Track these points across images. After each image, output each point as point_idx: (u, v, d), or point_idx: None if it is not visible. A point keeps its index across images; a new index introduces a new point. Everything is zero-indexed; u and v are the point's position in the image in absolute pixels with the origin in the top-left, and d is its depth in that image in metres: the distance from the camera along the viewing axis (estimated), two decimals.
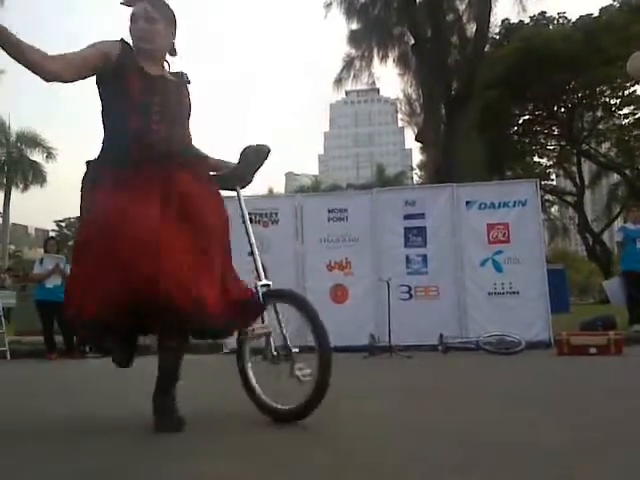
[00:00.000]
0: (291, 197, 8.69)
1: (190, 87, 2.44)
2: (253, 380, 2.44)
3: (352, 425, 2.31)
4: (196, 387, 3.15)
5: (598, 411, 2.51)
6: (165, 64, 2.39)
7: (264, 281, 2.43)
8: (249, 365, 2.47)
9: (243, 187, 2.64)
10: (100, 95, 2.30)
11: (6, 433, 2.36)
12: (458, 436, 2.03)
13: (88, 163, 2.26)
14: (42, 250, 8.48)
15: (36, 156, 27.07)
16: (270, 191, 24.74)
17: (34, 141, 26.91)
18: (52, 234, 36.16)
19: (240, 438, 2.12)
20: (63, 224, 49.93)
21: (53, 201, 68.15)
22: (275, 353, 2.31)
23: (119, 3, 2.34)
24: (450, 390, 3.37)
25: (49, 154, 27.00)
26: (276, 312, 2.36)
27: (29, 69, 2.04)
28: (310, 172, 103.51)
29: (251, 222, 8.02)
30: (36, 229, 31.76)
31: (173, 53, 2.41)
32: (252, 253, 2.54)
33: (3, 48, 2.00)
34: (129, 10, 2.29)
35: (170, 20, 2.34)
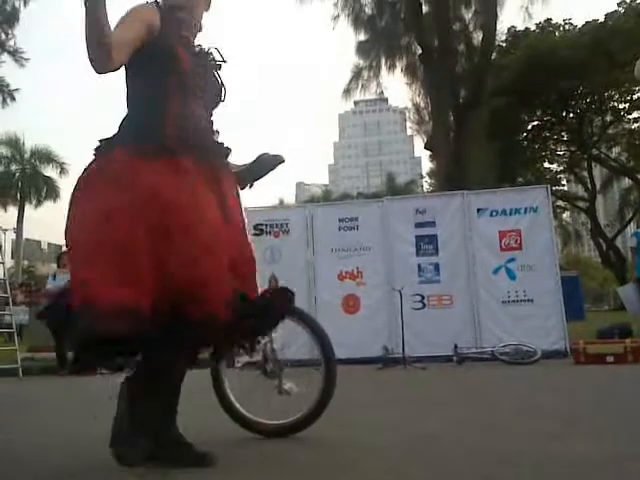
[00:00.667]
0: (302, 207, 8.73)
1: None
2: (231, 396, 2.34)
3: (363, 436, 2.28)
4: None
5: (618, 424, 2.46)
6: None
7: None
8: (226, 379, 2.36)
9: (242, 189, 2.52)
10: (130, 69, 1.91)
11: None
12: (477, 447, 1.99)
13: (99, 148, 1.88)
14: (55, 265, 8.50)
15: (50, 171, 27.38)
16: (281, 202, 24.78)
17: (48, 157, 27.24)
18: (65, 249, 36.37)
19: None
20: None
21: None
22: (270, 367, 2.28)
23: None
24: (467, 402, 3.32)
25: (62, 169, 27.29)
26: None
27: (95, 48, 1.66)
28: (320, 182, 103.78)
29: (262, 233, 8.10)
30: (49, 244, 31.93)
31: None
32: None
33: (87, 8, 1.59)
34: None
35: None
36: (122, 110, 1.96)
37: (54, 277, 7.59)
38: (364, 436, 2.31)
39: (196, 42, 2.05)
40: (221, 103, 2.09)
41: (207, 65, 2.02)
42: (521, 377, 4.75)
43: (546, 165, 25.56)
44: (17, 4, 20.78)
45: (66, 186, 27.60)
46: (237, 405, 2.33)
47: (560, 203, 25.80)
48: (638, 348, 5.27)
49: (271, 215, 7.41)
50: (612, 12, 19.66)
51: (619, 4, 19.69)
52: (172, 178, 1.80)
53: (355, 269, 6.86)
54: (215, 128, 2.07)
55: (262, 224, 7.20)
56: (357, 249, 6.88)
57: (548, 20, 20.52)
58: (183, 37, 1.97)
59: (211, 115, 2.05)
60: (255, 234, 7.20)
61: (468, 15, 13.65)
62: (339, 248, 6.95)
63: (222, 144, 2.07)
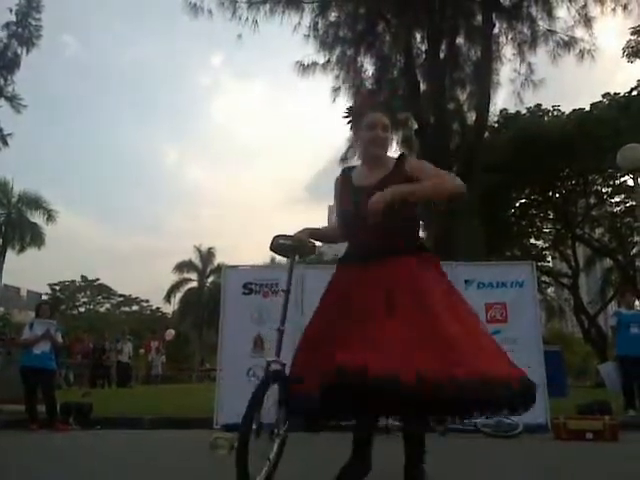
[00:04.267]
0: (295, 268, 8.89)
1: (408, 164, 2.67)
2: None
3: None
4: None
5: None
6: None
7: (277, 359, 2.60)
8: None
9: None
10: None
11: None
12: None
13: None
14: (33, 314, 8.28)
15: (37, 218, 26.98)
16: (272, 261, 24.86)
17: (36, 202, 26.93)
18: (45, 297, 35.57)
19: None
20: (57, 287, 49.66)
21: (48, 263, 67.80)
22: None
23: (342, 117, 2.76)
24: (448, 476, 3.36)
25: (49, 216, 26.94)
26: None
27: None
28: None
29: (251, 292, 8.17)
30: (28, 291, 31.15)
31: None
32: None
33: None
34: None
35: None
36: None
37: (31, 326, 7.41)
38: None
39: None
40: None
41: (365, 195, 2.58)
42: (503, 451, 4.83)
43: (532, 241, 26.17)
44: (19, 51, 21.12)
45: (52, 233, 27.22)
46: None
47: (545, 279, 26.24)
48: (616, 425, 5.41)
49: (261, 274, 7.52)
50: (597, 102, 20.80)
51: (603, 96, 20.88)
52: None
53: None
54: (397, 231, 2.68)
55: (251, 283, 7.31)
56: None
57: (538, 105, 21.60)
58: (350, 181, 2.79)
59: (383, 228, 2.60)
60: (243, 293, 7.32)
61: (463, 96, 14.47)
62: None
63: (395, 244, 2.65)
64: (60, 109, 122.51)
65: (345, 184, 2.72)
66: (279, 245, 2.73)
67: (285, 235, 2.71)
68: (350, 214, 2.62)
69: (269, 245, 2.75)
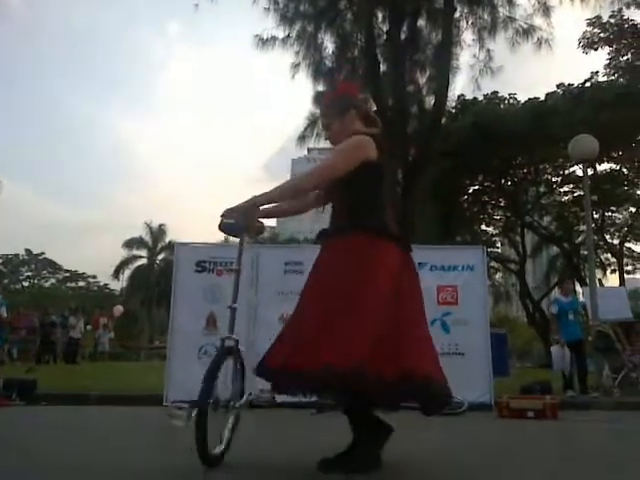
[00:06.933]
0: (248, 247, 8.80)
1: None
2: None
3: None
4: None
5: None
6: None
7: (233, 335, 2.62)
8: None
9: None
10: None
11: None
12: None
13: None
14: None
15: None
16: (226, 240, 24.59)
17: None
18: None
19: None
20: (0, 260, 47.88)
21: None
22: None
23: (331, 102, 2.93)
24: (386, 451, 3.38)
25: None
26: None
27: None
28: (268, 223, 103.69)
29: (204, 270, 8.05)
30: None
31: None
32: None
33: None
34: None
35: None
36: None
37: None
38: None
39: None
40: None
41: None
42: (447, 428, 4.95)
43: (483, 227, 26.85)
44: None
45: None
46: None
47: (494, 264, 27.02)
48: (555, 404, 5.64)
49: (214, 252, 7.39)
50: (552, 92, 21.33)
51: (558, 86, 21.42)
52: None
53: None
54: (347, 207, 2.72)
55: (205, 261, 7.20)
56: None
57: (495, 93, 21.99)
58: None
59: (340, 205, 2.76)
60: (196, 271, 7.20)
61: (422, 80, 14.48)
62: (283, 291, 7.05)
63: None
64: (1, 74, 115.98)
65: None
66: (225, 226, 2.65)
67: (231, 210, 2.61)
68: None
69: (217, 225, 2.68)
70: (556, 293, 25.02)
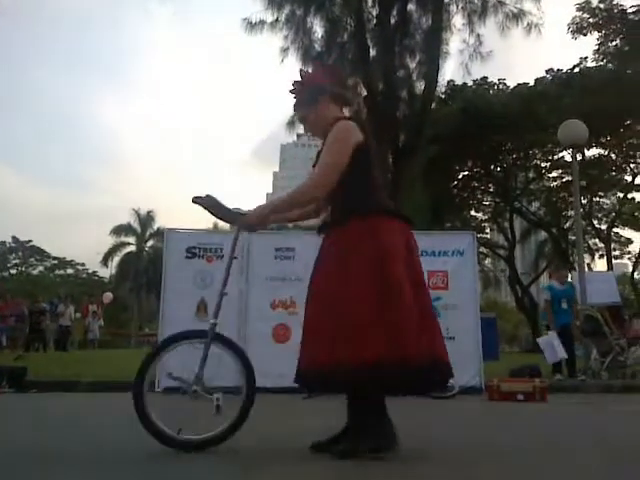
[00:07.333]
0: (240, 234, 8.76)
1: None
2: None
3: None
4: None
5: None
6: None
7: (212, 320, 2.62)
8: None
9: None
10: None
11: None
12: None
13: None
14: None
15: None
16: (215, 226, 24.47)
17: None
18: None
19: None
20: None
21: None
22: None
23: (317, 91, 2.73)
24: None
25: None
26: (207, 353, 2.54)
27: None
28: None
29: (194, 257, 7.99)
30: None
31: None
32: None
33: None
34: None
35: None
36: None
37: None
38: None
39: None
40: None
41: None
42: (438, 411, 5.00)
43: (472, 213, 26.98)
44: None
45: None
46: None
47: (483, 250, 27.20)
48: (544, 388, 5.71)
49: (204, 239, 7.37)
50: (541, 78, 21.35)
51: (547, 71, 21.44)
52: None
53: (289, 299, 6.95)
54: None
55: (195, 247, 7.17)
56: (292, 279, 6.93)
57: (484, 78, 21.95)
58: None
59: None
60: (187, 257, 7.17)
61: (412, 64, 14.39)
62: (274, 277, 7.03)
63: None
64: None
65: None
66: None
67: (240, 213, 2.67)
68: None
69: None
70: (545, 278, 25.36)
